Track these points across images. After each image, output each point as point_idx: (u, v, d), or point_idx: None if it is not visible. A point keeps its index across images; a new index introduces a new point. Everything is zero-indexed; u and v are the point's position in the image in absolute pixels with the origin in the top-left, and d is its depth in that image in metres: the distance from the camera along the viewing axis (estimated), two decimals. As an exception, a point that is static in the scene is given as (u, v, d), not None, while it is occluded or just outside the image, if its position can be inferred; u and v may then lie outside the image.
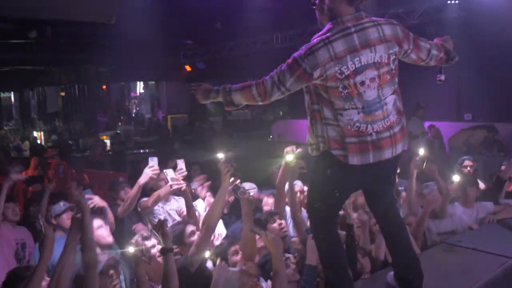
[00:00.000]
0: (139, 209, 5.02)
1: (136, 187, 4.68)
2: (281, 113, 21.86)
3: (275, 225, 4.26)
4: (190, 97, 20.33)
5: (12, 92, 22.96)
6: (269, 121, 19.66)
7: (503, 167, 6.36)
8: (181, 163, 4.77)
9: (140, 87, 23.96)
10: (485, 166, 8.26)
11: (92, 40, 14.22)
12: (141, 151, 14.82)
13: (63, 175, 9.96)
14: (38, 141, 17.34)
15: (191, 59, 16.87)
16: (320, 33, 2.85)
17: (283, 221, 4.35)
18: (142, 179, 4.63)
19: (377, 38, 2.81)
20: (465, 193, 5.13)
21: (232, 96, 2.90)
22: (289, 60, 2.80)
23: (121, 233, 4.81)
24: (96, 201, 4.60)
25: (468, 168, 6.25)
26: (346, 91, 2.78)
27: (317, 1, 2.94)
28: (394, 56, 2.89)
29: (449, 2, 9.23)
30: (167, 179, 4.81)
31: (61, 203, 4.59)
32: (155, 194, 4.94)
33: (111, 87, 22.67)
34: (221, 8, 11.41)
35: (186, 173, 4.82)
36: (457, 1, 9.03)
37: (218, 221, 4.15)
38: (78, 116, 20.91)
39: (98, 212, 4.58)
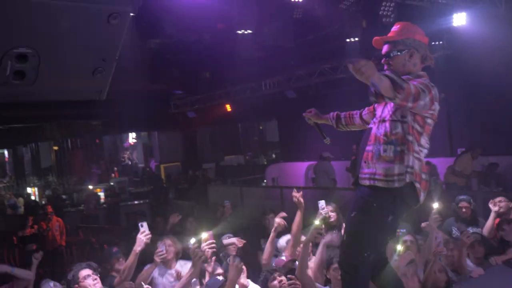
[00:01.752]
0: None
1: (132, 256, 4.54)
2: (274, 156, 22.00)
3: (275, 282, 4.16)
4: (183, 145, 20.50)
5: (5, 149, 23.04)
6: (262, 165, 19.74)
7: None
8: (145, 225, 4.63)
9: (132, 137, 24.09)
10: (485, 202, 8.21)
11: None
12: (136, 202, 14.79)
13: (58, 232, 9.92)
14: (33, 197, 17.28)
15: (181, 109, 17.09)
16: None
17: (283, 278, 4.22)
18: (138, 247, 4.50)
19: None
20: (473, 249, 5.04)
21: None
22: (417, 84, 2.80)
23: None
24: None
25: (464, 210, 5.98)
26: (430, 127, 3.01)
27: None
28: None
29: (433, 43, 9.49)
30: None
31: (51, 284, 4.54)
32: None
33: (103, 139, 22.79)
34: (209, 58, 11.66)
35: (150, 235, 4.67)
36: (441, 42, 9.31)
37: None
38: (72, 169, 20.92)
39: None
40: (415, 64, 3.05)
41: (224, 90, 14.90)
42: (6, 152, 23.72)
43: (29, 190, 18.36)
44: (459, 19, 8.76)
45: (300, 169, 14.99)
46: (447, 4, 8.36)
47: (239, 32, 7.17)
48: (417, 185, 2.92)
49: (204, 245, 4.23)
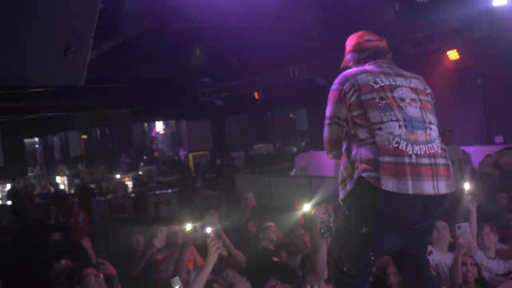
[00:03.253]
0: None
1: None
2: (303, 144, 21.60)
3: None
4: (211, 133, 20.33)
5: (36, 138, 23.32)
6: (292, 153, 19.39)
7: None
8: (176, 282, 4.05)
9: (161, 126, 24.08)
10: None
11: (112, 84, 14.34)
12: (163, 191, 14.69)
13: (83, 223, 9.82)
14: (62, 186, 17.39)
15: (209, 97, 16.84)
16: None
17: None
18: None
19: (409, 74, 2.81)
20: None
21: None
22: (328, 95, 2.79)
23: None
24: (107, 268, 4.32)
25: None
26: (384, 101, 2.59)
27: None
28: (430, 92, 2.79)
29: (471, 26, 8.92)
30: None
31: (62, 262, 4.37)
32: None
33: (132, 128, 22.82)
34: (236, 46, 11.33)
35: None
36: (479, 24, 8.71)
37: None
38: (101, 158, 21.02)
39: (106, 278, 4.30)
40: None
41: (253, 77, 14.56)
42: (37, 140, 24.02)
43: (58, 179, 18.50)
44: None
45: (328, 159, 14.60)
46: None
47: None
48: (366, 174, 2.44)
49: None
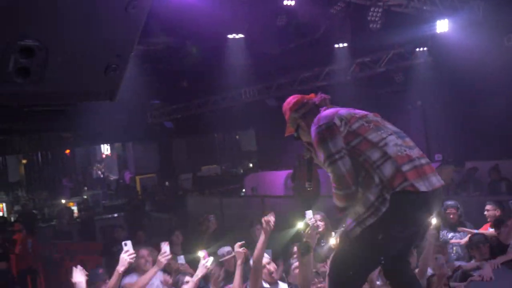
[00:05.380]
0: None
1: (115, 276, 4.31)
2: (250, 165, 21.79)
3: None
4: (159, 155, 20.08)
5: (-30, 163, 22.07)
6: (239, 174, 19.50)
7: (488, 207, 6.31)
8: (165, 246, 4.48)
9: (105, 148, 23.50)
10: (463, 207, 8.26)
11: (56, 107, 13.89)
12: (110, 216, 14.31)
13: (31, 250, 9.41)
14: (0, 213, 16.51)
15: (159, 119, 16.72)
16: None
17: None
18: (121, 267, 4.27)
19: None
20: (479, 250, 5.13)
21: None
22: (315, 142, 2.92)
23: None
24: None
25: (451, 216, 6.09)
26: (371, 124, 2.86)
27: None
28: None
29: (417, 49, 9.54)
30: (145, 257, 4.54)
31: None
32: (139, 282, 4.63)
33: (75, 151, 22.13)
34: (187, 67, 11.40)
35: (170, 256, 4.53)
36: (425, 48, 9.33)
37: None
38: (42, 183, 20.20)
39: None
40: (308, 124, 3.07)
41: (203, 99, 14.65)
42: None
43: (-4, 205, 17.57)
44: (442, 26, 8.80)
45: (279, 177, 14.80)
46: (431, 11, 8.38)
47: (230, 36, 6.95)
48: (401, 186, 2.63)
49: (203, 263, 4.28)
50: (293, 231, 4.43)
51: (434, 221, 4.62)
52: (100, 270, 4.98)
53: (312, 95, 3.18)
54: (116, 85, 1.93)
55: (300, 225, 4.16)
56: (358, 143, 2.79)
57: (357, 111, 2.98)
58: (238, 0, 5.66)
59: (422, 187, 2.65)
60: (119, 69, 1.90)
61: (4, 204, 17.29)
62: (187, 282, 4.47)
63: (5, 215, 16.00)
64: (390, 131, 2.85)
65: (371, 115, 2.95)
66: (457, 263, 5.32)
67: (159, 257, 4.44)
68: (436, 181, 2.77)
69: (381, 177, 2.68)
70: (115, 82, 1.92)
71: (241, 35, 6.93)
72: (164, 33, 6.66)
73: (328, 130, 2.83)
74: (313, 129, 2.91)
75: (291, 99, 3.20)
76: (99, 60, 1.85)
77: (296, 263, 4.49)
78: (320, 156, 2.88)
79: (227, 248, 5.32)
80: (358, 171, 2.77)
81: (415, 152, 2.81)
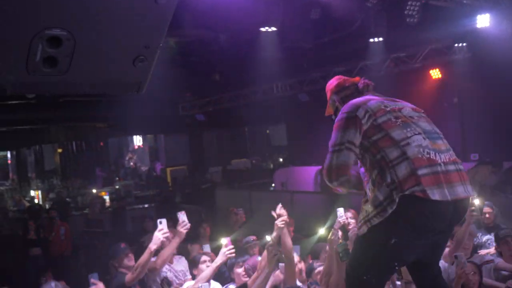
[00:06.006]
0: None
1: (147, 253, 4.40)
2: (281, 160, 21.70)
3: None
4: (189, 148, 20.23)
5: (8, 151, 22.72)
6: (269, 169, 19.43)
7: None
8: (182, 216, 4.49)
9: (138, 139, 23.83)
10: (501, 208, 8.01)
11: (89, 97, 14.16)
12: (141, 206, 14.49)
13: (64, 237, 9.63)
14: (36, 200, 16.96)
15: (190, 111, 16.81)
16: None
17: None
18: (153, 244, 4.35)
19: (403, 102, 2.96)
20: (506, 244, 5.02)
21: None
22: (335, 124, 2.83)
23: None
24: None
25: (487, 215, 5.95)
26: (400, 120, 2.71)
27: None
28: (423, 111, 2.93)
29: (456, 45, 9.25)
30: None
31: (52, 284, 4.30)
32: (163, 254, 4.67)
33: (109, 141, 22.52)
34: (219, 59, 11.39)
35: (189, 225, 4.54)
36: (464, 44, 9.03)
37: None
38: (76, 172, 20.63)
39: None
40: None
41: (234, 93, 14.63)
42: (9, 155, 23.40)
43: (32, 193, 18.05)
44: (483, 21, 8.48)
45: (309, 173, 14.69)
46: (471, 5, 8.08)
47: (263, 29, 6.88)
48: (412, 190, 2.48)
49: (224, 251, 4.29)
50: (321, 231, 4.34)
51: (476, 201, 4.55)
52: (122, 245, 5.02)
53: (357, 78, 3.10)
54: (144, 77, 1.90)
55: (329, 223, 4.08)
56: (380, 138, 2.66)
57: (392, 102, 2.83)
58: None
59: (436, 195, 2.47)
60: (147, 61, 1.86)
61: (39, 192, 17.76)
62: (204, 261, 4.51)
63: (40, 202, 16.41)
64: (420, 130, 2.67)
65: (407, 110, 2.79)
66: (487, 258, 5.15)
67: (178, 228, 4.43)
68: (462, 191, 2.58)
69: (393, 177, 2.55)
70: (143, 74, 1.88)
71: (273, 28, 6.83)
72: (196, 25, 6.63)
73: (346, 121, 2.75)
74: (339, 114, 2.86)
75: (334, 80, 3.16)
76: (127, 51, 1.82)
77: (321, 268, 4.39)
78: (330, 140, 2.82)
79: (252, 237, 5.32)
80: (372, 169, 2.67)
81: (444, 156, 2.62)
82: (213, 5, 6.03)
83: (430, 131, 2.71)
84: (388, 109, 2.75)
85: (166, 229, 4.30)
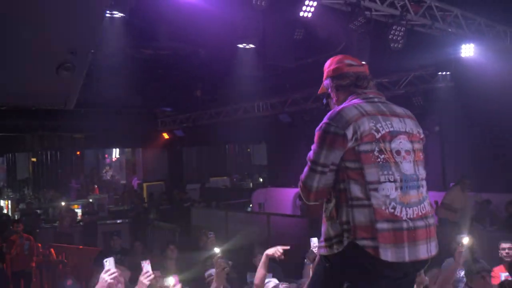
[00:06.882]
0: None
1: None
2: (260, 179, 21.46)
3: None
4: (168, 163, 19.87)
5: (-20, 159, 22.08)
6: (249, 188, 19.17)
7: (503, 246, 5.98)
8: (147, 266, 4.11)
9: (115, 152, 23.40)
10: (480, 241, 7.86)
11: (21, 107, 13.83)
12: (114, 221, 14.06)
13: (27, 252, 9.18)
14: (5, 211, 16.35)
15: (169, 126, 16.55)
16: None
17: None
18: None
19: (402, 112, 2.57)
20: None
21: None
22: (315, 135, 2.45)
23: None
24: None
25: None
26: (383, 156, 2.36)
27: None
28: (422, 137, 2.57)
29: (439, 73, 9.20)
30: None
31: None
32: None
33: (85, 153, 22.05)
34: (200, 75, 11.19)
35: (153, 276, 4.17)
36: (448, 72, 8.99)
37: None
38: (49, 183, 20.08)
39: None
40: (337, 100, 2.67)
41: (215, 110, 14.45)
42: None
43: (1, 202, 17.40)
44: (467, 50, 8.45)
45: (288, 195, 14.50)
46: (456, 33, 8.05)
47: (240, 46, 6.67)
48: (363, 242, 2.26)
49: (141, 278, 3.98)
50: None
51: (465, 240, 4.33)
52: (69, 282, 4.67)
53: (360, 68, 2.65)
54: (71, 88, 1.60)
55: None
56: (352, 168, 2.36)
57: (388, 122, 2.42)
58: (251, 8, 5.36)
59: (389, 255, 2.24)
60: (75, 69, 1.56)
61: (9, 202, 17.13)
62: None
63: (9, 213, 15.82)
64: (397, 175, 2.35)
65: (400, 139, 2.42)
66: None
67: (141, 278, 4.08)
68: (424, 252, 2.35)
69: (349, 219, 2.31)
70: (70, 85, 1.58)
71: (251, 45, 6.63)
72: (172, 37, 6.41)
73: (333, 138, 2.37)
74: (324, 120, 2.44)
75: (334, 62, 2.69)
76: (48, 58, 1.52)
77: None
78: (310, 152, 2.44)
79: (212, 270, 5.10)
80: (330, 197, 2.43)
81: (413, 211, 2.36)
82: (189, 17, 5.81)
83: (408, 178, 2.40)
84: (378, 136, 2.36)
85: (113, 269, 3.90)
